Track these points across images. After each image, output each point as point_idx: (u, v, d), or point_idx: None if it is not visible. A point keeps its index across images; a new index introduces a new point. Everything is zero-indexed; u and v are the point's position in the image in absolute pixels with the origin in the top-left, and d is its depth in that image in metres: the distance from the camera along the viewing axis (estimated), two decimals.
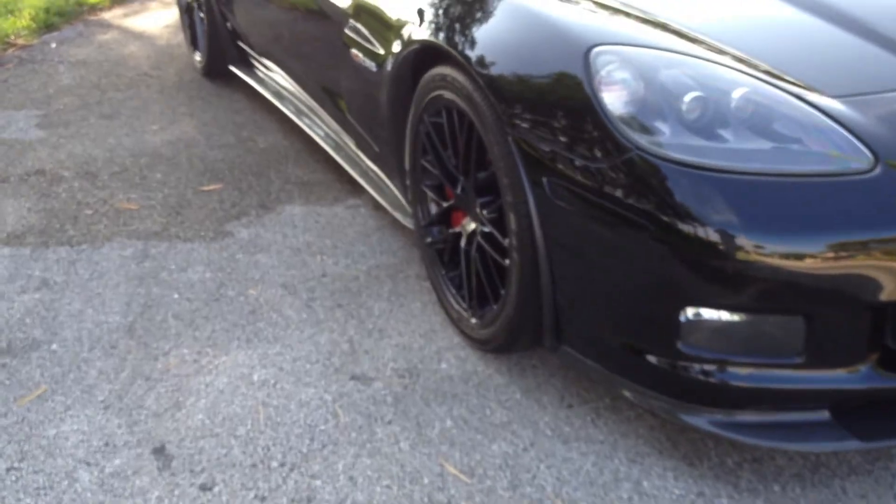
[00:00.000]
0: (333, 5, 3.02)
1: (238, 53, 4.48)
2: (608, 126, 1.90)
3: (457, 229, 2.50)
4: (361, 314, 2.68)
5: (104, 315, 2.72)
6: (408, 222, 2.84)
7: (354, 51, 2.81)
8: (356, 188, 3.44)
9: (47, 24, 5.86)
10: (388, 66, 2.61)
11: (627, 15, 2.16)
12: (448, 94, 2.33)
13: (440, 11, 2.40)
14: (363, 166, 3.19)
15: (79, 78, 4.92)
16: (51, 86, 4.81)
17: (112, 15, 6.21)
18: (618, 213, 1.89)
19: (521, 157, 2.07)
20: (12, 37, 5.58)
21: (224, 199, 3.45)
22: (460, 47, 2.24)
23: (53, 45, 5.51)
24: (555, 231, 2.03)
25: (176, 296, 2.81)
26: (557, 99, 2.01)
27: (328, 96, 3.33)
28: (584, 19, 2.13)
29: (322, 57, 3.30)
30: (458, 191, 2.44)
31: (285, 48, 3.79)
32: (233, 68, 4.48)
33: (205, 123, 4.21)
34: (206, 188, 3.55)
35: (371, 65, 2.72)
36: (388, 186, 3.00)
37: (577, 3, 2.23)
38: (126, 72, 4.99)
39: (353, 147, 3.21)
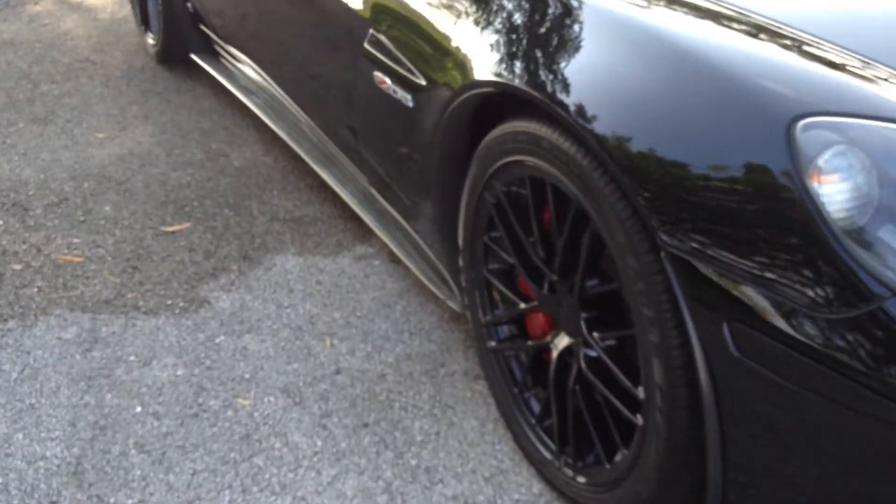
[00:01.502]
0: (341, 3, 2.24)
1: (201, 39, 3.66)
2: (834, 249, 1.20)
3: (542, 342, 1.78)
4: (397, 440, 1.96)
5: (40, 445, 1.97)
6: (454, 304, 2.12)
7: (379, 74, 2.05)
8: (364, 228, 2.70)
9: None
10: (433, 103, 1.86)
11: (833, 66, 1.43)
12: (537, 163, 1.60)
13: (530, 40, 1.64)
14: (377, 206, 2.45)
15: (4, 64, 4.05)
16: None
17: None
18: (856, 392, 1.19)
19: (681, 283, 1.34)
20: None
21: (195, 245, 2.68)
22: (566, 99, 1.50)
23: None
24: (740, 401, 1.32)
25: (139, 408, 2.06)
26: (744, 197, 1.29)
27: (329, 116, 2.56)
28: (776, 63, 1.40)
29: (321, 66, 2.52)
30: (545, 290, 1.72)
31: (264, 43, 3.00)
32: (195, 58, 3.66)
33: (163, 130, 3.40)
34: (169, 228, 2.77)
35: (405, 97, 1.96)
36: (414, 238, 2.26)
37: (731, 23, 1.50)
38: (63, 56, 4.13)
39: (365, 184, 2.46)
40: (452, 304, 2.14)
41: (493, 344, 1.91)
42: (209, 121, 3.47)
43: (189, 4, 3.56)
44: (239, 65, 3.37)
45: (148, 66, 4.00)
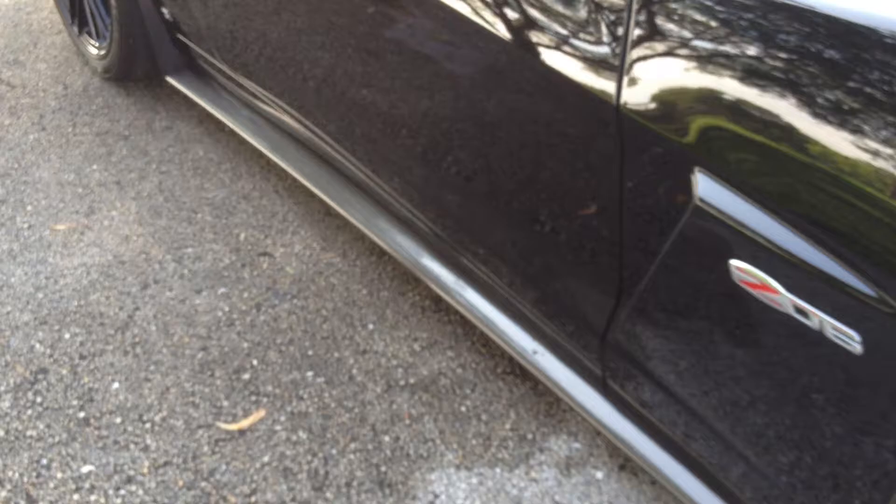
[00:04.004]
0: (588, 91, 1.20)
1: (180, 54, 2.52)
2: None
3: None
4: None
5: None
6: None
7: (753, 270, 1.04)
8: (540, 390, 1.71)
9: None
10: None
11: None
12: None
13: None
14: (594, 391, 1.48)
15: None
16: None
17: None
18: None
19: None
20: None
21: (287, 458, 1.65)
22: None
23: None
24: None
25: None
26: None
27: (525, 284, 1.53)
28: None
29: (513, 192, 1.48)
30: None
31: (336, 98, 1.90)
32: (174, 81, 2.51)
33: (154, 210, 2.28)
34: (234, 425, 1.72)
35: (842, 333, 0.97)
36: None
37: None
38: None
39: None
40: None
41: None
42: (217, 185, 2.36)
43: (164, 10, 2.39)
44: (243, 92, 2.26)
45: (91, 85, 2.81)
